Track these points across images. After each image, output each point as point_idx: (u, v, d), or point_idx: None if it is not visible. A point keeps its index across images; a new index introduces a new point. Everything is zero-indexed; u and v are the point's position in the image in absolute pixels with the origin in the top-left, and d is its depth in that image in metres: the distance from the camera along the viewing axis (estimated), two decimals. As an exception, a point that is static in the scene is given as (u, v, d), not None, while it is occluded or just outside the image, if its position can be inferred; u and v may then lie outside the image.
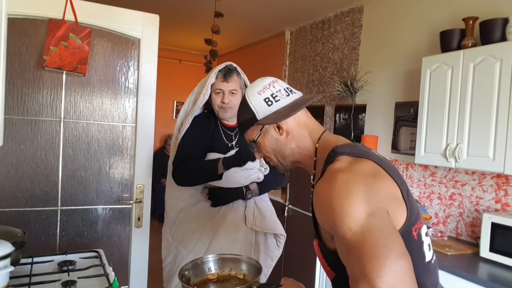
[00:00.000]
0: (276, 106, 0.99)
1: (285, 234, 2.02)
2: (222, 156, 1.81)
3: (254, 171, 1.90)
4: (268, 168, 1.95)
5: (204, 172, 1.77)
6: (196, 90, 1.95)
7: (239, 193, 1.88)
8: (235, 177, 1.83)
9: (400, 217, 0.84)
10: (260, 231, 1.93)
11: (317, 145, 1.00)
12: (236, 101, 1.85)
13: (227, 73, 1.84)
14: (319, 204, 0.86)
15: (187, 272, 1.20)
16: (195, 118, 1.89)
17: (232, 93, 1.84)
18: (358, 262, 0.75)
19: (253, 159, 1.69)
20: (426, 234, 0.91)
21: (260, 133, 1.03)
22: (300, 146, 1.03)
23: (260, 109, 1.00)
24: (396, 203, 0.85)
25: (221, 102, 1.83)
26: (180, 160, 1.81)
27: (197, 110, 1.88)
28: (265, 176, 1.94)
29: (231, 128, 1.93)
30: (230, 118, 1.90)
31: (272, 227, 1.96)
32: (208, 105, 1.92)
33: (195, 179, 1.81)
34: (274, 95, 1.00)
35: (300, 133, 1.02)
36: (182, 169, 1.79)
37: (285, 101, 1.00)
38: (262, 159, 1.93)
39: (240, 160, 1.70)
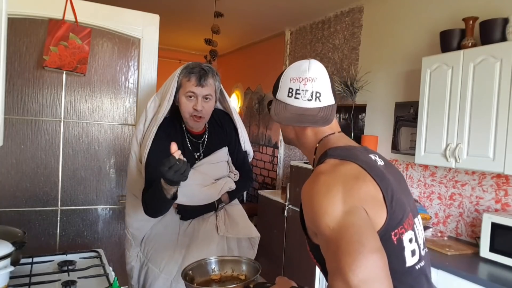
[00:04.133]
0: (291, 101, 1.02)
1: (259, 235, 1.87)
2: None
3: (225, 181, 1.76)
4: (238, 174, 1.84)
5: (159, 201, 1.49)
6: (160, 94, 1.69)
7: (210, 207, 1.73)
8: (207, 193, 1.68)
9: (378, 219, 0.87)
10: (233, 237, 1.78)
11: (317, 144, 1.05)
12: (209, 108, 1.62)
13: (202, 76, 1.56)
14: (303, 202, 0.92)
15: (190, 271, 1.26)
16: (160, 126, 1.62)
17: (206, 98, 1.60)
18: (334, 257, 0.80)
19: (183, 169, 1.33)
20: (411, 241, 0.92)
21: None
22: (301, 141, 1.09)
23: (281, 91, 1.05)
24: (376, 205, 0.87)
25: (193, 109, 1.58)
26: (145, 190, 1.57)
27: (161, 118, 1.62)
28: (236, 182, 1.81)
29: (198, 135, 1.72)
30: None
31: (245, 232, 1.82)
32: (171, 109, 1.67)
33: (160, 209, 1.55)
34: (298, 92, 1.01)
35: (302, 130, 1.06)
36: (145, 204, 1.56)
37: (300, 104, 1.01)
38: (232, 166, 1.83)
39: (169, 178, 1.34)
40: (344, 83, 3.36)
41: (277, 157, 4.71)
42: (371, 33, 3.35)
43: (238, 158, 1.86)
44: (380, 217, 0.87)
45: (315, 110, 1.01)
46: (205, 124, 1.73)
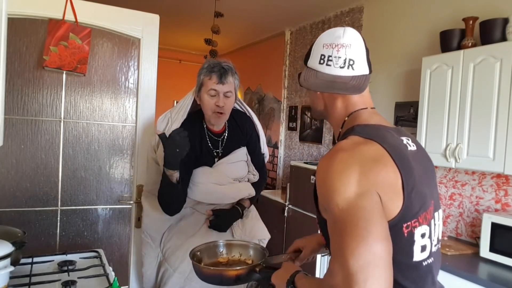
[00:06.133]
0: (322, 68, 0.97)
1: (269, 236, 1.93)
2: (207, 168, 1.71)
3: (245, 186, 1.81)
4: (258, 175, 1.88)
5: (166, 189, 1.61)
6: (174, 110, 1.79)
7: (236, 215, 1.78)
8: (223, 192, 1.73)
9: (392, 207, 0.83)
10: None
11: (346, 118, 1.00)
12: (230, 104, 1.69)
13: (223, 74, 1.64)
14: (317, 176, 0.89)
15: (198, 253, 1.30)
16: (181, 125, 1.71)
17: (227, 96, 1.66)
18: (338, 238, 0.79)
19: (178, 131, 1.49)
20: (423, 236, 0.88)
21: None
22: (331, 113, 1.03)
23: (313, 59, 1.00)
24: (392, 193, 0.83)
25: (215, 105, 1.64)
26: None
27: (183, 116, 1.72)
28: (254, 184, 1.86)
29: (218, 134, 1.78)
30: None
31: (260, 235, 1.86)
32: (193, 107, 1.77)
33: (172, 200, 1.65)
34: (330, 58, 0.96)
35: (332, 100, 1.02)
36: (160, 199, 1.66)
37: (332, 71, 0.96)
38: (252, 166, 1.86)
39: (171, 144, 1.49)
40: (344, 83, 3.36)
41: (277, 157, 4.71)
42: (371, 33, 3.35)
43: (258, 160, 1.91)
44: (394, 205, 0.83)
45: (347, 78, 0.96)
46: (225, 123, 1.79)
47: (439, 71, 2.35)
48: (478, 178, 2.41)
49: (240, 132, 1.84)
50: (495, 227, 2.02)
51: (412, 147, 0.94)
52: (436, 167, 2.65)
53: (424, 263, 0.90)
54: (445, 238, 2.45)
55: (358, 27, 3.47)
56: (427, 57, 2.45)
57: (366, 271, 0.73)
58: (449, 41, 2.39)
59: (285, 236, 3.50)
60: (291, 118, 4.49)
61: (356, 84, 0.95)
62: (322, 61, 0.97)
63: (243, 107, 1.93)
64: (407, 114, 2.91)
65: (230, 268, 1.25)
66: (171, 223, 1.79)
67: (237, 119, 1.84)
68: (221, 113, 1.66)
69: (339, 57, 0.96)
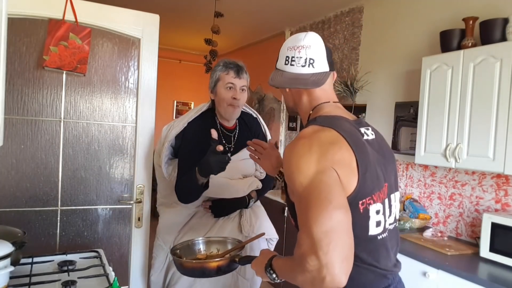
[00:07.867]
0: (287, 68, 1.11)
1: (277, 237, 1.98)
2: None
3: (253, 180, 1.88)
4: (265, 173, 1.93)
5: (191, 188, 1.67)
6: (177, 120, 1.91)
7: (242, 203, 1.84)
8: (234, 187, 1.80)
9: (349, 183, 0.93)
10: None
11: (311, 111, 1.12)
12: (244, 98, 1.81)
13: (239, 70, 1.78)
14: (283, 162, 1.00)
15: (178, 251, 1.38)
16: (193, 122, 1.82)
17: (243, 89, 1.79)
18: (304, 212, 0.89)
19: (224, 160, 1.53)
20: (378, 212, 0.99)
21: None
22: (299, 107, 1.16)
23: (280, 61, 1.15)
24: (348, 170, 0.93)
25: (232, 98, 1.75)
26: (179, 177, 1.75)
27: (184, 124, 1.81)
28: (262, 181, 1.93)
29: (230, 129, 1.88)
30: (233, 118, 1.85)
31: (269, 233, 1.91)
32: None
33: (191, 195, 1.72)
34: (293, 59, 1.09)
35: (299, 96, 1.14)
36: (178, 190, 1.73)
37: (295, 70, 1.09)
38: (258, 165, 1.93)
39: (210, 164, 1.54)
40: (344, 83, 3.36)
41: (277, 157, 4.70)
42: (371, 33, 3.35)
43: None
44: (350, 182, 0.93)
45: (307, 75, 1.08)
46: (236, 121, 1.89)
47: (439, 71, 2.35)
48: (478, 178, 2.41)
49: (248, 131, 1.93)
50: (495, 227, 2.02)
51: (370, 136, 1.07)
52: (436, 167, 2.65)
53: (379, 237, 1.01)
54: (445, 238, 2.45)
55: (358, 27, 3.48)
56: (427, 57, 2.45)
57: (329, 236, 0.82)
58: (449, 41, 2.39)
59: (285, 236, 3.50)
60: (291, 118, 4.49)
61: (316, 80, 1.07)
62: (287, 62, 1.11)
63: (248, 109, 2.02)
64: (407, 114, 2.91)
65: (211, 260, 1.30)
66: (183, 224, 1.85)
67: (245, 119, 1.94)
68: (236, 105, 1.77)
69: (300, 57, 1.08)
